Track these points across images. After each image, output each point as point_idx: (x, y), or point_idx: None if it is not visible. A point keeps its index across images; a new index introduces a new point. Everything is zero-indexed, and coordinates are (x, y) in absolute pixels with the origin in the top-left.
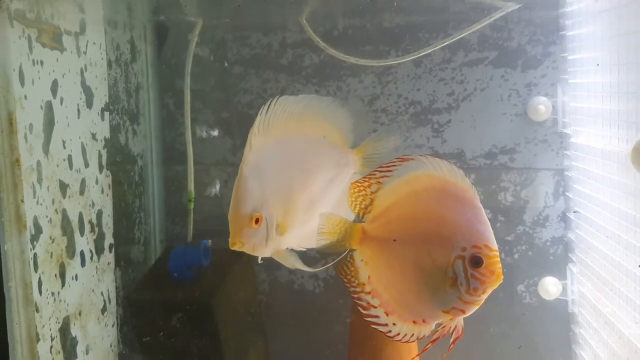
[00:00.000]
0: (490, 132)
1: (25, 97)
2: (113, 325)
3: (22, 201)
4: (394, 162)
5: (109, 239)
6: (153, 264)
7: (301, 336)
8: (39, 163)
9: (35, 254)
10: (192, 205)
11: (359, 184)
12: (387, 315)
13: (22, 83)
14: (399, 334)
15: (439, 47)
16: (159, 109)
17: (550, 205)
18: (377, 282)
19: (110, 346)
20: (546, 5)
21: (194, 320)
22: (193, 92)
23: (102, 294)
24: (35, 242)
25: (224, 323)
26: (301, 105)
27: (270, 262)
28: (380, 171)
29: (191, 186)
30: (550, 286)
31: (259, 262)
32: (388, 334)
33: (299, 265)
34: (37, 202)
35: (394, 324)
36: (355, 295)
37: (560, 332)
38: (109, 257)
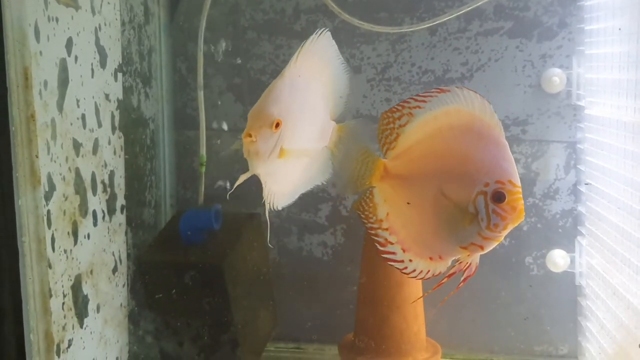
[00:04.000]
0: (503, 103)
1: (41, 53)
2: (124, 286)
3: (37, 156)
4: (432, 91)
5: (120, 200)
6: (164, 227)
7: (309, 298)
8: (53, 120)
9: (48, 211)
10: (203, 169)
11: (390, 115)
12: (404, 252)
13: (38, 39)
14: (414, 270)
15: (454, 15)
16: (171, 73)
17: (560, 178)
18: (395, 219)
19: (121, 306)
20: None
21: (204, 282)
22: (205, 57)
23: (113, 254)
24: (48, 200)
25: (234, 286)
26: (329, 53)
27: (278, 230)
28: (416, 100)
29: (203, 150)
30: (558, 259)
31: (229, 189)
32: (404, 271)
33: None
34: (51, 159)
35: (410, 260)
36: (373, 232)
37: (567, 304)
38: (120, 218)
